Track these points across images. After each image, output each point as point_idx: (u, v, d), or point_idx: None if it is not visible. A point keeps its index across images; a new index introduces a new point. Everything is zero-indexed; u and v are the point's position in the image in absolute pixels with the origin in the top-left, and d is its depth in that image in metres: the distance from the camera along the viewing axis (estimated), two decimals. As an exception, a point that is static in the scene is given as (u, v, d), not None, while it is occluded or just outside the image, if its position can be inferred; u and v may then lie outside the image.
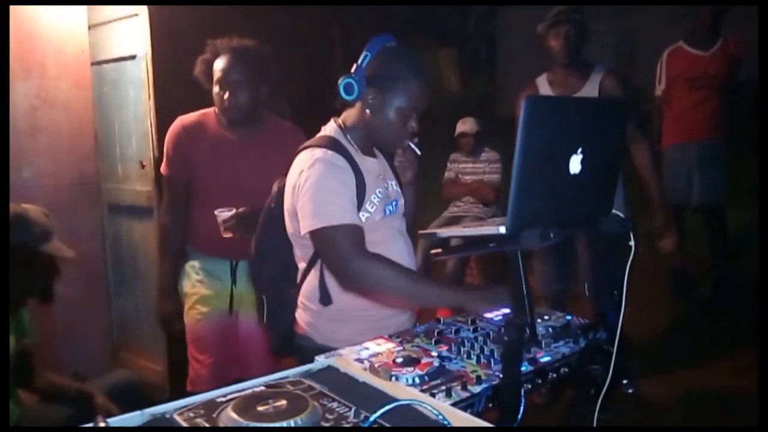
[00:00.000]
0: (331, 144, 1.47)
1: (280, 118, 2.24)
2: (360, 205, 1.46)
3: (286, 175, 1.52)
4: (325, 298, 1.54)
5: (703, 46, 3.44)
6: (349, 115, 1.55)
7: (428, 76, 1.50)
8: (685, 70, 3.47)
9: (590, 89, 2.46)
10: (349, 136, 1.52)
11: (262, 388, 0.97)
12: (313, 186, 1.41)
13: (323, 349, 1.49)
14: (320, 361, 1.11)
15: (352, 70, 1.47)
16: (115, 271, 2.93)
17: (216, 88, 2.04)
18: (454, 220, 4.25)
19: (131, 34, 2.65)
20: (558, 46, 2.46)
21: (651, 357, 3.03)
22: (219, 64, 2.02)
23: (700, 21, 3.43)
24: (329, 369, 1.08)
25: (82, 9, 2.51)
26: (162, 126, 2.73)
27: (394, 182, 1.64)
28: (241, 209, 1.99)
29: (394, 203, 1.59)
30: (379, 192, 1.53)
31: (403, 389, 1.00)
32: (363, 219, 1.47)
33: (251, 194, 1.84)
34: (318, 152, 1.45)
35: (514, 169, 1.02)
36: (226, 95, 2.01)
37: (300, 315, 1.63)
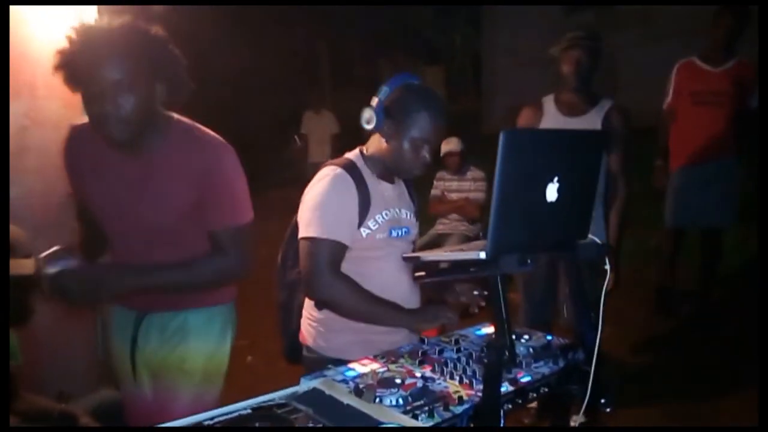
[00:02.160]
0: (346, 165, 1.61)
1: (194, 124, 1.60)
2: (362, 221, 1.57)
3: (185, 206, 1.54)
4: (319, 303, 1.65)
5: (714, 63, 3.42)
6: (371, 143, 1.67)
7: (442, 110, 1.60)
8: (691, 84, 3.46)
9: (595, 116, 2.51)
10: (366, 161, 1.65)
11: (249, 411, 1.00)
12: (314, 197, 1.57)
13: (325, 361, 1.56)
14: (305, 383, 1.14)
15: (373, 102, 1.59)
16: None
17: (85, 94, 1.42)
18: (440, 238, 4.30)
19: None
20: (569, 70, 2.51)
21: (630, 375, 3.07)
22: (84, 58, 1.38)
23: (715, 38, 3.42)
24: (314, 391, 1.11)
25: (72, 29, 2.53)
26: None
27: (409, 212, 1.73)
28: (70, 263, 1.44)
29: (404, 230, 1.68)
30: (386, 214, 1.63)
31: (386, 412, 1.03)
32: (363, 234, 1.58)
33: (135, 237, 1.56)
34: (331, 170, 1.60)
35: (493, 197, 1.07)
36: (99, 105, 1.38)
37: (303, 323, 1.73)
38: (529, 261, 1.08)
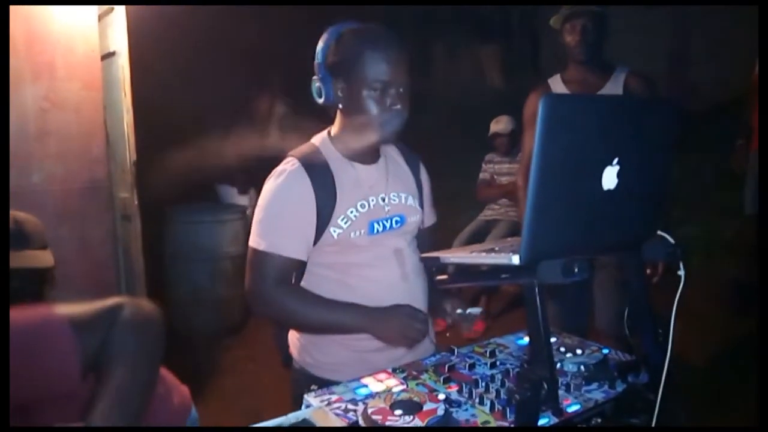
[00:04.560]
0: (306, 155, 1.36)
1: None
2: (328, 220, 1.32)
3: None
4: None
5: None
6: (336, 120, 1.40)
7: (395, 44, 1.30)
8: None
9: (613, 89, 2.19)
10: (334, 142, 1.39)
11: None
12: (265, 200, 1.34)
13: (308, 378, 1.37)
14: (295, 413, 0.94)
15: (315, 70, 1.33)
16: (128, 278, 2.84)
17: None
18: (488, 224, 4.02)
19: (109, 30, 2.58)
20: (574, 41, 2.19)
21: (703, 386, 2.71)
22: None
23: None
24: (303, 423, 0.90)
25: (92, 8, 2.42)
26: (140, 127, 2.67)
27: (406, 195, 1.44)
28: None
29: (393, 220, 1.40)
30: (362, 205, 1.35)
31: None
32: (335, 236, 1.33)
33: None
34: (288, 164, 1.35)
35: (530, 187, 0.82)
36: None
37: (290, 334, 1.51)
38: (576, 269, 0.82)
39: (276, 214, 1.32)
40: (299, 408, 1.12)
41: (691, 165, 4.25)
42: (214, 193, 4.41)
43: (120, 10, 2.55)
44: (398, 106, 1.29)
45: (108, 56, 2.63)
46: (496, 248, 1.02)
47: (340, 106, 1.34)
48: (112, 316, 1.03)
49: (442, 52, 10.50)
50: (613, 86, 2.19)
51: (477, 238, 3.83)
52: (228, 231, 3.88)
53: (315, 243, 1.33)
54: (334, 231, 1.32)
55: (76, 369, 0.97)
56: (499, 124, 3.99)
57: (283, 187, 1.32)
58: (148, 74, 2.67)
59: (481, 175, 4.15)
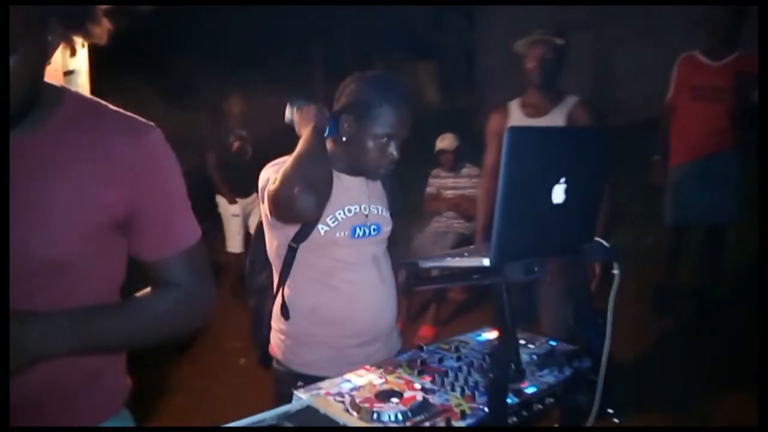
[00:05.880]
0: None
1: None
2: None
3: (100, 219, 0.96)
4: (284, 311, 1.55)
5: (715, 57, 3.36)
6: (332, 139, 1.56)
7: (406, 100, 1.49)
8: (691, 78, 3.39)
9: (558, 114, 2.47)
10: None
11: (238, 433, 0.93)
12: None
13: (294, 376, 1.47)
14: (299, 401, 1.07)
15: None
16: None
17: None
18: (436, 236, 4.23)
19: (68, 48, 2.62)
20: (533, 67, 2.47)
21: (629, 377, 3.00)
22: None
23: (713, 31, 3.35)
24: (308, 410, 1.04)
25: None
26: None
27: (382, 208, 1.62)
28: None
29: (371, 227, 1.57)
30: (348, 210, 1.52)
31: (386, 432, 0.96)
32: (322, 232, 1.49)
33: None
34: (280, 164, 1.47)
35: (498, 200, 1.00)
36: None
37: (271, 334, 1.63)
38: (536, 268, 1.01)
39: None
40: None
41: (614, 179, 4.66)
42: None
43: None
44: (395, 156, 1.48)
45: (67, 74, 2.65)
46: (466, 254, 1.20)
47: (343, 138, 1.49)
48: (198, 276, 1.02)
49: (382, 67, 10.78)
50: (560, 112, 2.46)
51: (426, 249, 4.03)
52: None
53: (304, 240, 1.48)
54: (322, 228, 1.48)
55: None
56: (445, 141, 4.23)
57: None
58: (108, 93, 2.71)
59: (428, 189, 4.37)
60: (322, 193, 1.38)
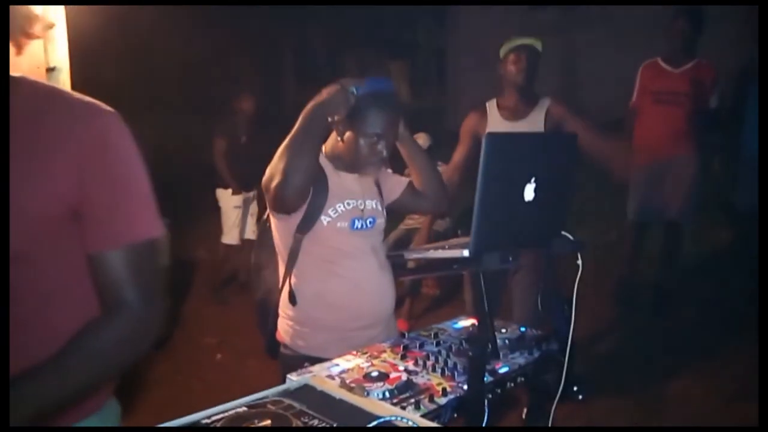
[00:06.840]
0: None
1: None
2: (320, 211, 1.63)
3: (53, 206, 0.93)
4: (291, 297, 1.67)
5: (675, 64, 3.59)
6: (329, 140, 1.72)
7: (395, 103, 1.64)
8: (653, 83, 3.63)
9: (537, 116, 2.63)
10: (327, 157, 1.71)
11: (245, 408, 1.03)
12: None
13: (301, 358, 1.58)
14: (296, 380, 1.17)
15: None
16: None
17: None
18: (409, 233, 4.35)
19: (50, 45, 2.64)
20: (517, 69, 2.61)
21: (595, 364, 3.20)
22: None
23: (671, 40, 3.59)
24: (306, 387, 1.14)
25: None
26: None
27: (376, 202, 1.76)
28: None
29: (368, 221, 1.71)
30: (348, 203, 1.66)
31: (379, 405, 1.07)
32: (324, 223, 1.63)
33: None
34: None
35: (476, 198, 1.13)
36: None
37: (279, 321, 1.75)
38: (510, 258, 1.14)
39: None
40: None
41: (579, 177, 4.87)
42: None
43: (61, 26, 2.60)
44: (383, 154, 1.63)
45: (49, 71, 2.67)
46: (447, 246, 1.33)
47: (339, 138, 1.64)
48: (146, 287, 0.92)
49: (353, 67, 10.85)
50: (538, 114, 2.62)
51: (400, 245, 4.16)
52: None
53: (309, 229, 1.62)
54: (325, 219, 1.62)
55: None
56: (419, 140, 4.34)
57: None
58: (89, 89, 2.73)
59: (402, 187, 4.49)
60: (301, 177, 1.54)
